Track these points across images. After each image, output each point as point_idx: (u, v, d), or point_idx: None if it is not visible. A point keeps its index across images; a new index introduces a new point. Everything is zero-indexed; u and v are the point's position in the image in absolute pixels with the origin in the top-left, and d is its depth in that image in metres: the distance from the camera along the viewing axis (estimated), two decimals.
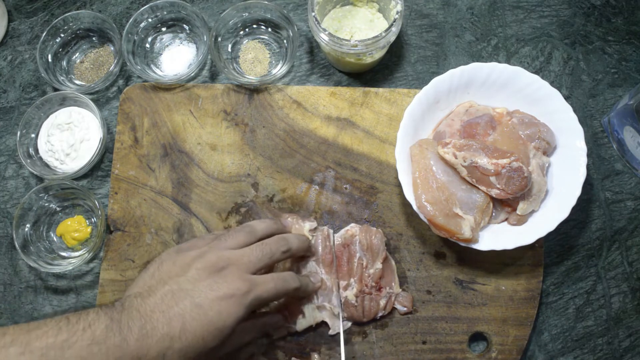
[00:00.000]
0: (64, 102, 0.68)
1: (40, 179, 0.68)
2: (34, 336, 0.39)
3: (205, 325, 0.45)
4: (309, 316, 0.59)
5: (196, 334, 0.44)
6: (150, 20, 0.71)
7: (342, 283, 0.59)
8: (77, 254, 0.65)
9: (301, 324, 0.59)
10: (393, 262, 0.61)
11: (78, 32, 0.72)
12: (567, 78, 0.70)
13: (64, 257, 0.65)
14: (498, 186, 0.56)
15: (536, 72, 0.67)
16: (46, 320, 0.41)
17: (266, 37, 0.71)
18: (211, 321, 0.45)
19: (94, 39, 0.73)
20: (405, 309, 0.60)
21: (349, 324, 0.60)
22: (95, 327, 0.41)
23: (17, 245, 0.62)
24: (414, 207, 0.57)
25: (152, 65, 0.71)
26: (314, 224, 0.61)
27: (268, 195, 0.65)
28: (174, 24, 0.72)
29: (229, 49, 0.71)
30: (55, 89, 0.70)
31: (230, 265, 0.48)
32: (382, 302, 0.59)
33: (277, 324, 0.58)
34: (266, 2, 0.68)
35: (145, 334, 0.42)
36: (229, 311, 0.46)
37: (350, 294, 0.59)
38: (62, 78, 0.71)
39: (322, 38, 0.60)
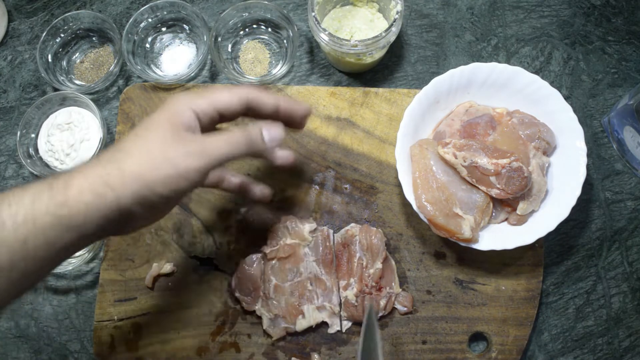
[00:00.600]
0: (64, 102, 0.68)
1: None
2: None
3: (145, 147, 0.42)
4: (309, 316, 0.59)
5: (141, 153, 0.42)
6: (150, 20, 0.71)
7: (342, 283, 0.59)
8: (77, 254, 0.65)
9: (301, 324, 0.59)
10: (393, 262, 0.61)
11: (78, 32, 0.72)
12: (567, 78, 0.70)
13: None
14: (498, 186, 0.56)
15: (536, 72, 0.67)
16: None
17: (266, 37, 0.71)
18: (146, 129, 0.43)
19: (94, 39, 0.73)
20: (405, 309, 0.60)
21: (349, 323, 0.60)
22: (38, 185, 0.40)
23: None
24: (414, 207, 0.57)
25: (152, 65, 0.71)
26: (314, 225, 0.61)
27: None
28: (174, 24, 0.72)
29: (229, 49, 0.71)
30: (55, 89, 0.70)
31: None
32: (383, 302, 0.59)
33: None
34: (266, 2, 0.68)
35: (89, 163, 0.42)
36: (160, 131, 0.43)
37: (350, 293, 0.59)
38: (62, 78, 0.71)
39: (322, 38, 0.60)
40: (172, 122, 0.44)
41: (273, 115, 0.49)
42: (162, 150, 0.42)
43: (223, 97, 0.46)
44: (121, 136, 0.44)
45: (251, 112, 0.49)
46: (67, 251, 0.41)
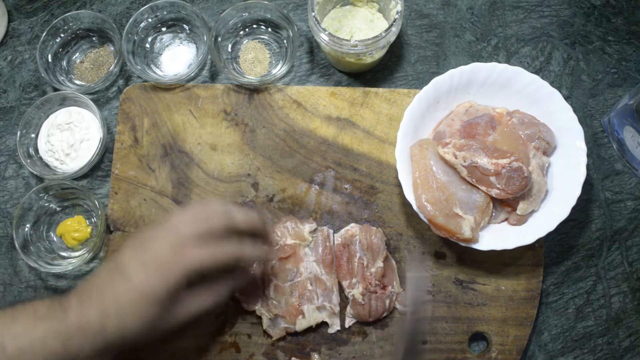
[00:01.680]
0: (64, 102, 0.68)
1: (40, 179, 0.68)
2: None
3: (133, 294, 0.46)
4: (309, 316, 0.59)
5: (128, 303, 0.46)
6: (150, 20, 0.71)
7: (345, 282, 0.59)
8: (77, 254, 0.65)
9: (301, 324, 0.59)
10: (393, 262, 0.61)
11: (78, 32, 0.72)
12: (567, 78, 0.70)
13: (64, 257, 0.65)
14: (498, 186, 0.56)
15: (536, 72, 0.67)
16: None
17: (266, 37, 0.71)
18: (139, 290, 0.46)
19: (94, 39, 0.73)
20: (405, 309, 0.60)
21: (353, 320, 0.60)
22: (38, 308, 0.45)
23: (17, 245, 0.62)
24: (414, 207, 0.57)
25: (152, 65, 0.71)
26: (314, 226, 0.61)
27: (268, 195, 0.65)
28: (174, 24, 0.72)
29: (229, 49, 0.71)
30: (55, 89, 0.70)
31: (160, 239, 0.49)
32: (387, 302, 0.59)
33: (239, 285, 0.56)
34: (266, 2, 0.68)
35: (82, 307, 0.46)
36: (156, 280, 0.47)
37: (357, 292, 0.58)
38: (62, 78, 0.71)
39: (322, 38, 0.60)
40: (172, 292, 0.47)
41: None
42: (156, 320, 0.47)
43: (223, 264, 0.50)
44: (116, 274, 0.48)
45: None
46: None
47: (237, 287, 0.57)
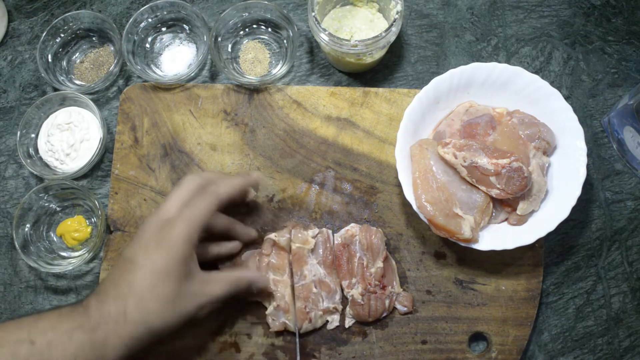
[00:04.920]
0: (64, 102, 0.68)
1: (40, 179, 0.68)
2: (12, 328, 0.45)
3: (146, 276, 0.48)
4: (315, 322, 0.59)
5: (143, 286, 0.47)
6: (150, 20, 0.71)
7: (344, 283, 0.59)
8: (77, 254, 0.65)
9: (306, 328, 0.59)
10: (393, 262, 0.61)
11: (78, 32, 0.72)
12: (567, 78, 0.70)
13: (64, 257, 0.65)
14: (498, 186, 0.56)
15: (536, 72, 0.67)
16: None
17: (266, 37, 0.71)
18: (150, 270, 0.48)
19: (94, 39, 0.73)
20: (405, 309, 0.60)
21: (353, 320, 0.60)
22: (61, 308, 0.47)
23: (17, 245, 0.62)
24: (414, 207, 0.57)
25: (152, 65, 0.71)
26: (316, 231, 0.61)
27: (268, 195, 0.65)
28: (174, 24, 0.72)
29: (229, 49, 0.71)
30: (55, 89, 0.70)
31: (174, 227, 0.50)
32: (386, 302, 0.59)
33: (251, 278, 0.57)
34: (266, 2, 0.68)
35: (101, 301, 0.47)
36: (162, 256, 0.48)
37: (356, 292, 0.59)
38: (62, 78, 0.71)
39: (322, 38, 0.60)
40: (179, 263, 0.49)
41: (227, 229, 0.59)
42: (173, 297, 0.48)
43: (207, 213, 0.52)
44: (129, 249, 0.50)
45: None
46: None
47: (249, 279, 0.56)
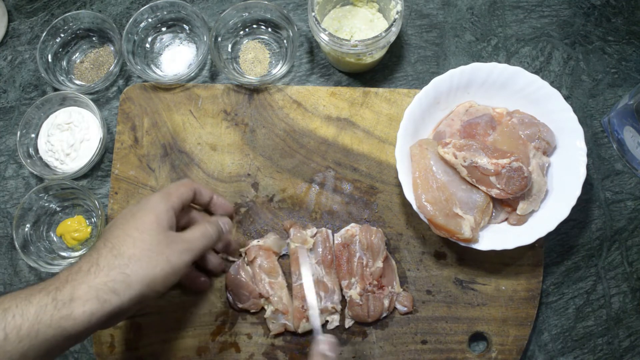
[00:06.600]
0: (64, 102, 0.68)
1: (40, 179, 0.68)
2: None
3: (124, 234, 0.48)
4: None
5: (119, 238, 0.47)
6: (150, 20, 0.71)
7: (344, 282, 0.59)
8: (77, 254, 0.65)
9: (304, 327, 0.59)
10: (393, 262, 0.61)
11: (78, 32, 0.72)
12: (567, 78, 0.70)
13: (64, 257, 0.65)
14: (498, 186, 0.56)
15: (536, 72, 0.67)
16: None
17: (266, 37, 0.71)
18: (135, 227, 0.48)
19: (94, 39, 0.73)
20: (405, 308, 0.60)
21: (352, 321, 0.60)
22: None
23: (17, 245, 0.62)
24: (414, 207, 0.57)
25: (152, 65, 0.71)
26: (314, 230, 0.61)
27: (268, 195, 0.65)
28: (174, 24, 0.72)
29: (229, 49, 0.71)
30: (55, 89, 0.70)
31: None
32: (386, 302, 0.59)
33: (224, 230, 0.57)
34: (266, 2, 0.68)
35: (72, 264, 0.46)
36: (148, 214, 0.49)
37: (354, 292, 0.58)
38: (62, 78, 0.71)
39: (322, 38, 0.60)
40: (160, 224, 0.49)
41: (208, 204, 0.60)
42: (160, 252, 0.48)
43: (186, 192, 0.55)
44: (109, 233, 0.48)
45: (195, 201, 0.58)
46: (61, 352, 0.44)
47: (222, 233, 0.57)
